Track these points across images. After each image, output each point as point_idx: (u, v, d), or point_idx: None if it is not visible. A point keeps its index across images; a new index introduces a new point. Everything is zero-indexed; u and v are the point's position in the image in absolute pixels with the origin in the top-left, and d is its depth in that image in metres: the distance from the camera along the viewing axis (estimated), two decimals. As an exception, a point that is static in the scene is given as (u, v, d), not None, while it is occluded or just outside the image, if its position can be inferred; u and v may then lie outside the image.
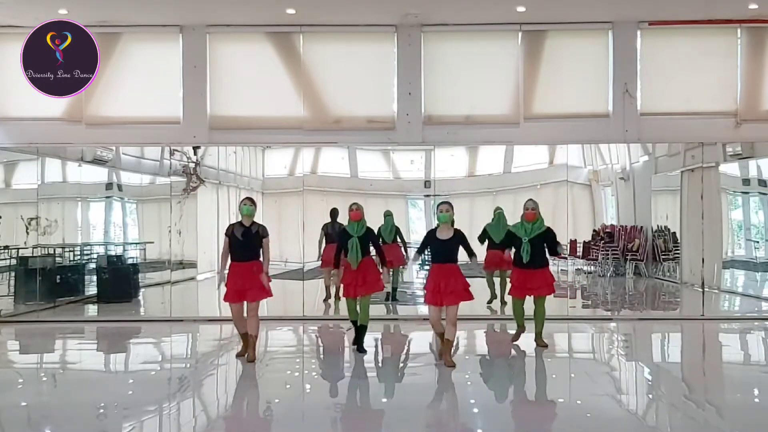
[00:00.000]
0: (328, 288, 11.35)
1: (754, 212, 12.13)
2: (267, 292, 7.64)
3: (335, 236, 9.29)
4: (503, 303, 10.75)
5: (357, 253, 7.92)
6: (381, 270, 8.10)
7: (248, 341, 7.69)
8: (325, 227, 11.13)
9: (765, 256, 11.90)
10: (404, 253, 11.25)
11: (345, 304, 8.37)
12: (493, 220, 10.62)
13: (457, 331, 7.39)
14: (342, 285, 8.28)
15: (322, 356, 8.80)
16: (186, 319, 10.63)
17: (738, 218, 12.31)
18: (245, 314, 7.66)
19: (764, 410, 6.26)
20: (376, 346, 8.69)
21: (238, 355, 7.79)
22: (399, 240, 11.07)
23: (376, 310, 10.71)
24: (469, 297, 7.32)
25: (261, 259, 7.66)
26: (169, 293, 11.22)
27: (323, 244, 11.14)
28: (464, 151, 11.90)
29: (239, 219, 7.73)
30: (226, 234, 7.72)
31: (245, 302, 7.61)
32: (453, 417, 6.07)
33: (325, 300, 11.33)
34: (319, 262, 11.25)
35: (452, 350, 7.49)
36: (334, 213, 11.05)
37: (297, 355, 8.93)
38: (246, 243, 7.57)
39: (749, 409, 6.29)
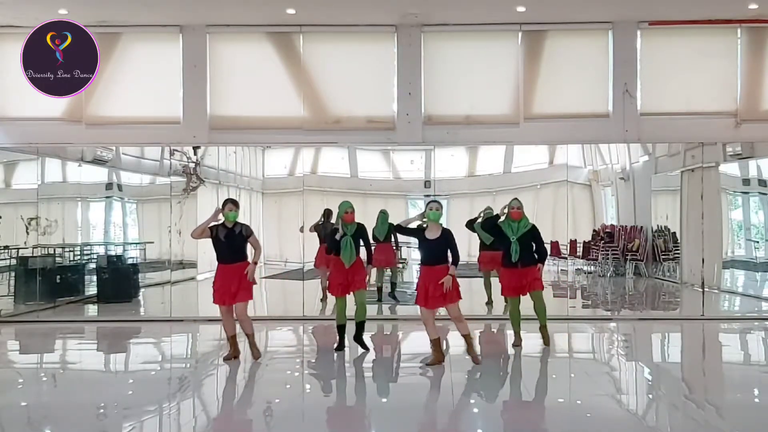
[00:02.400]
0: (324, 290, 11.34)
1: (754, 212, 12.14)
2: (250, 294, 7.55)
3: (326, 236, 9.24)
4: (489, 303, 10.71)
5: (351, 251, 7.91)
6: (366, 268, 8.06)
7: (236, 343, 7.70)
8: (317, 227, 11.07)
9: (765, 256, 11.90)
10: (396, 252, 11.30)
11: (335, 305, 8.20)
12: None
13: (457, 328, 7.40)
14: (330, 284, 8.14)
15: (322, 356, 8.79)
16: (186, 319, 10.63)
17: (738, 218, 12.31)
18: (234, 316, 7.63)
19: (764, 410, 6.27)
20: (375, 346, 8.69)
21: (226, 359, 7.71)
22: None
23: (374, 310, 10.73)
24: (458, 297, 7.23)
25: (249, 259, 7.58)
26: (169, 293, 11.23)
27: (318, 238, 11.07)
28: (464, 151, 11.90)
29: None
30: (210, 229, 7.57)
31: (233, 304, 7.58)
32: (452, 417, 6.06)
33: (322, 300, 11.34)
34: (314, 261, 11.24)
35: (474, 345, 7.43)
36: (327, 213, 10.97)
37: (297, 355, 8.93)
38: (230, 244, 7.53)
39: (749, 409, 6.30)
